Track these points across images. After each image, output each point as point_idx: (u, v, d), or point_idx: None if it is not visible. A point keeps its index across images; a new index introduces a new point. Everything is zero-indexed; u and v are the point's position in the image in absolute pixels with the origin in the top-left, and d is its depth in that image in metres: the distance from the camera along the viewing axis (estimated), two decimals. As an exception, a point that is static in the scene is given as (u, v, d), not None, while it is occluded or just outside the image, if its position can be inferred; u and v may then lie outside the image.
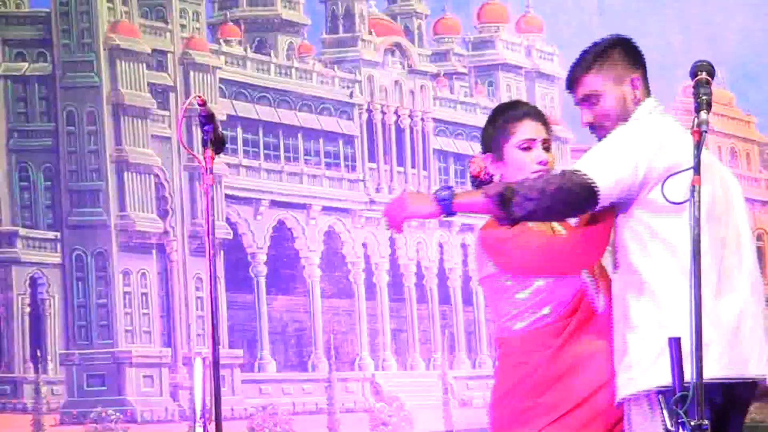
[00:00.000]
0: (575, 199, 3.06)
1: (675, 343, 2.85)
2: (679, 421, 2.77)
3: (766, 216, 13.16)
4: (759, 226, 13.05)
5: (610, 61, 3.26)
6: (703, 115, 2.91)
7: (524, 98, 12.82)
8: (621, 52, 3.30)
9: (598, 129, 3.24)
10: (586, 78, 3.26)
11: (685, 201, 2.89)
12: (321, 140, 12.54)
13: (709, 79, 2.97)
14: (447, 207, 3.05)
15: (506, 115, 3.38)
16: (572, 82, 3.29)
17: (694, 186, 2.86)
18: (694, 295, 2.86)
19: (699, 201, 2.85)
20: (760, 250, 12.93)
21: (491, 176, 3.37)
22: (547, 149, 3.32)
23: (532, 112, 3.37)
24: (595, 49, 3.29)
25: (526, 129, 3.33)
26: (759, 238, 13.09)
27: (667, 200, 2.97)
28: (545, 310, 3.21)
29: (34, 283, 10.19)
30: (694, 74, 2.99)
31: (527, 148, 3.31)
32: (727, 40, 11.95)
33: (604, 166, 3.10)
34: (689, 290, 2.91)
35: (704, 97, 2.96)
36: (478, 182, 3.41)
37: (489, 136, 3.36)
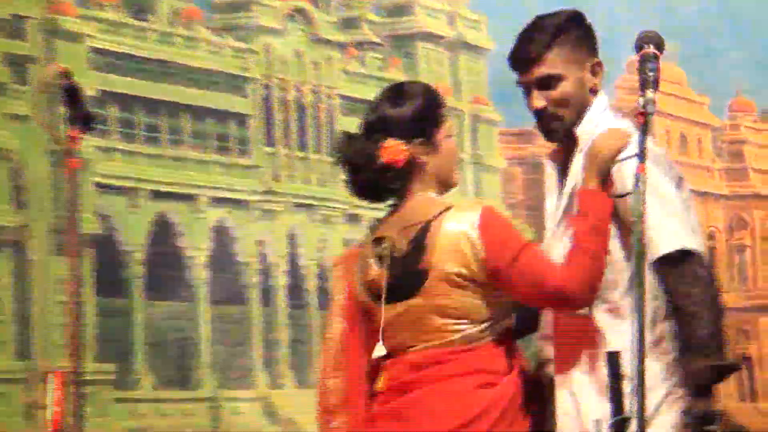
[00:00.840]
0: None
1: (613, 358, 2.88)
2: None
3: (719, 212, 13.36)
4: (711, 223, 13.23)
5: (571, 40, 3.24)
6: (649, 93, 2.90)
7: (447, 73, 12.87)
8: (581, 30, 3.27)
9: (550, 117, 3.23)
10: (546, 57, 3.22)
11: (629, 193, 2.90)
12: (209, 120, 12.50)
13: (657, 53, 2.96)
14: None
15: (440, 99, 3.50)
16: (526, 61, 3.24)
17: (638, 175, 2.86)
18: (637, 307, 2.87)
19: (644, 192, 2.86)
20: (711, 251, 13.08)
21: (408, 165, 3.38)
22: None
23: None
24: (554, 23, 3.25)
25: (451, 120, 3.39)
26: (710, 236, 13.27)
27: (613, 193, 3.00)
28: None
29: None
30: (639, 47, 2.97)
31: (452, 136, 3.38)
32: (680, 12, 12.09)
33: (693, 230, 3.21)
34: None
35: (650, 74, 2.94)
36: (394, 172, 3.40)
37: (416, 119, 3.50)
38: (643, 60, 2.95)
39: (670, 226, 3.07)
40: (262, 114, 13.31)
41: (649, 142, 3.07)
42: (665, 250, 3.06)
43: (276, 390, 12.62)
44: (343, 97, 13.11)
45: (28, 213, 10.94)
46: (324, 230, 13.30)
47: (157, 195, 12.11)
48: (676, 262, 3.10)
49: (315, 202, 13.23)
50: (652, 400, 3.08)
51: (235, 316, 12.51)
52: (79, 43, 11.50)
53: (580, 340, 3.24)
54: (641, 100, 2.91)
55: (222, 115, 12.98)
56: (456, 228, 3.18)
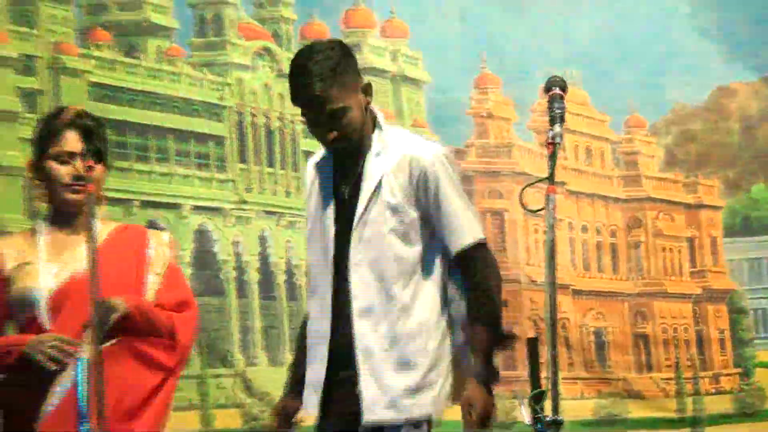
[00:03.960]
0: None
1: (531, 343, 2.93)
2: (537, 416, 2.87)
3: (618, 213, 13.47)
4: (612, 222, 13.36)
5: (347, 71, 3.11)
6: (556, 128, 2.98)
7: (390, 101, 12.92)
8: (351, 59, 3.16)
9: (340, 141, 3.12)
10: (332, 94, 3.08)
11: (541, 209, 2.96)
12: (192, 141, 12.47)
13: (562, 93, 3.04)
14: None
15: (42, 126, 3.40)
16: (316, 99, 3.08)
17: (549, 195, 2.93)
18: (550, 295, 2.93)
19: (554, 209, 2.92)
20: (614, 247, 13.22)
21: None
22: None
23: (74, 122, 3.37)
24: (330, 60, 3.09)
25: (67, 141, 3.33)
26: (612, 234, 13.40)
27: (526, 209, 3.03)
28: None
29: None
30: (547, 89, 3.04)
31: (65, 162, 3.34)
32: (579, 42, 12.21)
33: (479, 221, 3.15)
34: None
35: (558, 111, 3.03)
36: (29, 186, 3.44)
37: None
38: (551, 100, 3.04)
39: (469, 219, 3.09)
40: (237, 136, 13.32)
41: (437, 144, 3.12)
42: (469, 241, 3.07)
43: (251, 367, 12.64)
44: (304, 123, 13.14)
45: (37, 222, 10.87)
46: (290, 233, 13.33)
47: (148, 204, 12.09)
48: (476, 250, 3.11)
49: (282, 210, 13.26)
50: (439, 375, 3.07)
51: (215, 306, 12.51)
52: (80, 78, 11.48)
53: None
54: (551, 133, 2.99)
55: (202, 137, 12.98)
56: None
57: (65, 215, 3.36)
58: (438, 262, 3.07)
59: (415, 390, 3.06)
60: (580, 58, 11.85)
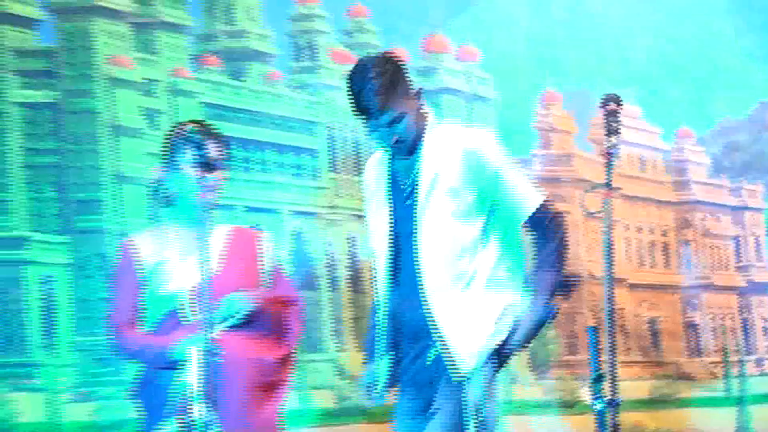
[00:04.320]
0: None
1: (592, 331, 2.98)
2: (597, 396, 2.91)
3: (670, 215, 13.41)
4: (664, 223, 13.30)
5: (403, 81, 3.13)
6: (613, 139, 3.04)
7: (463, 117, 12.97)
8: (404, 70, 3.18)
9: (399, 143, 3.15)
10: (391, 103, 3.09)
11: (599, 212, 3.01)
12: (288, 154, 12.61)
13: (618, 108, 3.09)
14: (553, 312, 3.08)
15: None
16: (374, 109, 3.09)
17: (606, 199, 2.99)
18: (607, 288, 2.99)
19: (611, 211, 2.98)
20: (665, 245, 13.17)
21: None
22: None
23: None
24: (387, 73, 3.07)
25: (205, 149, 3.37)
26: (664, 234, 13.35)
27: (586, 211, 3.09)
28: None
29: (45, 280, 10.18)
30: (604, 105, 3.10)
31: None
32: (634, 62, 12.20)
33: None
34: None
35: (614, 124, 3.09)
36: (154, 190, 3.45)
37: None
38: (608, 114, 3.11)
39: (529, 187, 3.13)
40: (328, 149, 13.46)
41: (485, 130, 3.17)
42: (536, 204, 3.11)
43: (342, 353, 12.74)
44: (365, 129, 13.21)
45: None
46: (375, 234, 13.39)
47: (250, 210, 12.24)
48: (544, 209, 3.12)
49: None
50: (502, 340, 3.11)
51: (309, 299, 12.63)
52: (193, 99, 11.68)
53: None
54: (608, 144, 3.06)
55: (298, 150, 13.13)
56: None
57: (194, 218, 3.39)
58: (499, 235, 3.12)
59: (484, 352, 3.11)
60: (634, 77, 11.85)
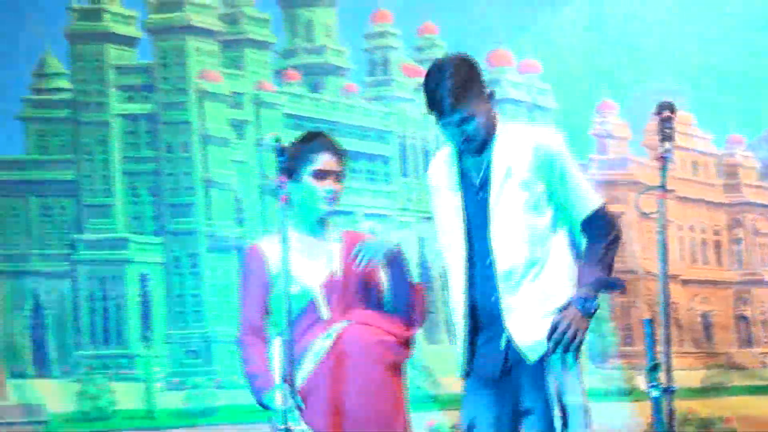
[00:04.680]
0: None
1: (648, 324, 2.94)
2: (653, 384, 2.88)
3: (722, 216, 13.22)
4: (715, 223, 13.11)
5: (475, 83, 3.07)
6: (667, 144, 2.99)
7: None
8: (477, 71, 3.09)
9: (469, 142, 3.10)
10: (463, 103, 3.02)
11: (654, 212, 2.97)
12: (363, 160, 12.64)
13: (672, 115, 3.03)
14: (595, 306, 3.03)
15: (303, 146, 3.33)
16: (448, 107, 3.03)
17: (660, 200, 2.95)
18: (662, 283, 2.94)
19: (666, 212, 2.94)
20: (717, 243, 12.99)
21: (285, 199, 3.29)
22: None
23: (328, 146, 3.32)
24: (461, 74, 3.01)
25: (325, 161, 3.31)
26: (716, 233, 13.16)
27: (641, 212, 3.05)
28: None
29: (143, 278, 10.28)
30: (659, 112, 3.04)
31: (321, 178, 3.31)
32: (686, 72, 12.05)
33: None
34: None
35: (668, 131, 3.03)
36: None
37: (285, 161, 3.21)
38: (662, 121, 3.04)
39: (590, 189, 3.07)
40: (399, 156, 13.46)
41: (555, 130, 3.11)
42: (594, 206, 3.05)
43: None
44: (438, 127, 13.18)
45: (245, 227, 11.19)
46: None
47: (327, 213, 12.26)
48: (601, 213, 3.06)
49: (436, 215, 13.33)
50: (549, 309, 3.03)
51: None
52: (276, 110, 11.73)
53: None
54: (662, 149, 3.00)
55: (372, 157, 13.15)
56: None
57: (312, 223, 3.39)
58: (565, 229, 3.08)
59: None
60: (687, 86, 11.70)
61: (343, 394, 3.21)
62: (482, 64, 3.04)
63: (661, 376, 2.90)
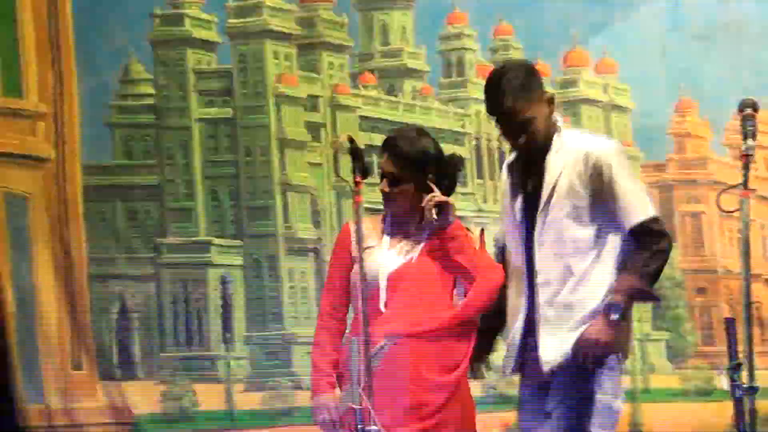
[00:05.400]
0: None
1: (729, 323, 2.93)
2: (735, 384, 2.87)
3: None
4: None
5: (534, 88, 3.15)
6: (749, 142, 3.00)
7: (601, 126, 12.81)
8: (536, 77, 3.17)
9: (527, 146, 3.15)
10: (521, 106, 3.10)
11: (735, 210, 2.97)
12: (439, 162, 12.63)
13: (754, 113, 3.04)
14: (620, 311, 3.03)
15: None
16: (507, 111, 3.11)
17: (743, 199, 2.94)
18: (745, 282, 2.94)
19: (748, 210, 2.93)
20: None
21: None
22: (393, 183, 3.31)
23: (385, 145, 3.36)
24: (519, 79, 3.08)
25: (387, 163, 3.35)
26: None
27: (722, 210, 3.05)
28: None
29: (223, 280, 10.40)
30: (741, 110, 3.05)
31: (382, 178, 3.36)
32: (767, 71, 11.86)
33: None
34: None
35: (750, 129, 3.04)
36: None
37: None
38: (744, 119, 3.06)
39: (641, 199, 3.05)
40: (475, 157, 13.45)
41: (610, 139, 3.11)
42: (643, 218, 3.03)
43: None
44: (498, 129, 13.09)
45: (321, 230, 11.25)
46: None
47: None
48: (650, 224, 3.02)
49: (512, 216, 13.25)
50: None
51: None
52: (352, 113, 11.80)
53: None
54: (744, 146, 3.01)
55: (448, 159, 13.05)
56: None
57: (392, 217, 3.42)
58: (611, 240, 3.08)
59: None
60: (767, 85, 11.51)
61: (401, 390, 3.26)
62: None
63: (743, 375, 2.89)
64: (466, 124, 13.89)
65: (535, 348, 3.11)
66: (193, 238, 10.33)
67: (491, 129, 14.64)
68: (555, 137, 3.19)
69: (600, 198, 3.07)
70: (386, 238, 3.39)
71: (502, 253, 3.21)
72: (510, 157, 3.29)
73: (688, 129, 13.05)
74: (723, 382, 2.93)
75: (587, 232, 3.09)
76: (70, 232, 7.17)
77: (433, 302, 3.31)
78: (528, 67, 3.19)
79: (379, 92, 13.36)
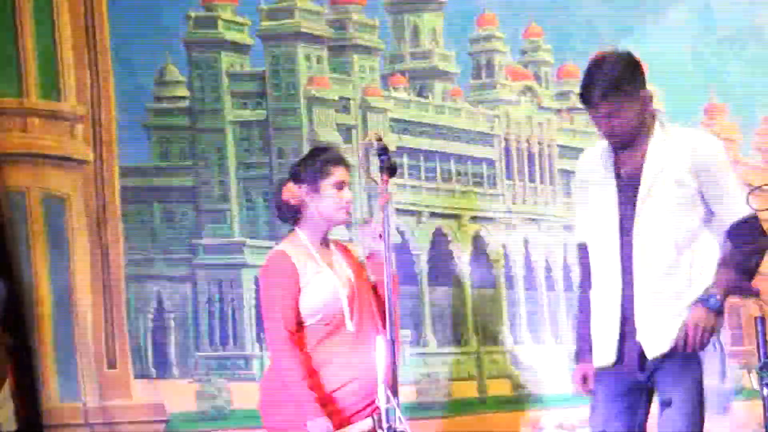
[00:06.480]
0: None
1: (759, 321, 2.98)
2: (765, 383, 2.93)
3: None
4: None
5: (629, 79, 3.20)
6: None
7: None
8: (637, 69, 3.22)
9: (614, 137, 3.20)
10: (608, 97, 3.14)
11: (765, 209, 3.01)
12: (469, 163, 12.69)
13: None
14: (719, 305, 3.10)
15: (329, 158, 3.49)
16: (599, 99, 3.15)
17: None
18: None
19: None
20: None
21: (299, 204, 3.45)
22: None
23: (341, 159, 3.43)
24: (617, 70, 3.12)
25: (341, 172, 3.43)
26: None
27: (751, 209, 3.08)
28: None
29: (257, 281, 10.47)
30: None
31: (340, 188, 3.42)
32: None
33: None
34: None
35: None
36: (287, 207, 3.46)
37: (301, 171, 3.36)
38: None
39: (743, 197, 3.10)
40: (504, 159, 13.49)
41: (715, 139, 3.14)
42: (744, 214, 3.07)
43: (518, 345, 12.74)
44: (558, 146, 13.17)
45: (352, 230, 11.28)
46: (547, 237, 13.37)
47: (434, 215, 12.31)
48: (751, 221, 3.14)
49: (540, 217, 13.31)
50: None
51: (489, 296, 12.65)
52: (383, 115, 11.86)
53: None
54: None
55: (477, 160, 13.17)
56: None
57: (322, 232, 3.50)
58: (712, 234, 3.13)
59: None
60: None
61: None
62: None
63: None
64: (495, 125, 13.94)
65: (632, 337, 3.15)
66: (228, 239, 10.43)
67: (520, 130, 14.73)
68: (657, 128, 3.23)
69: (704, 192, 3.11)
70: (324, 262, 3.40)
71: (585, 253, 3.23)
72: (597, 148, 3.31)
73: (717, 132, 13.04)
74: (753, 381, 2.99)
75: (692, 222, 3.14)
76: (108, 234, 7.29)
77: None
78: (627, 60, 3.22)
79: (410, 94, 13.43)
